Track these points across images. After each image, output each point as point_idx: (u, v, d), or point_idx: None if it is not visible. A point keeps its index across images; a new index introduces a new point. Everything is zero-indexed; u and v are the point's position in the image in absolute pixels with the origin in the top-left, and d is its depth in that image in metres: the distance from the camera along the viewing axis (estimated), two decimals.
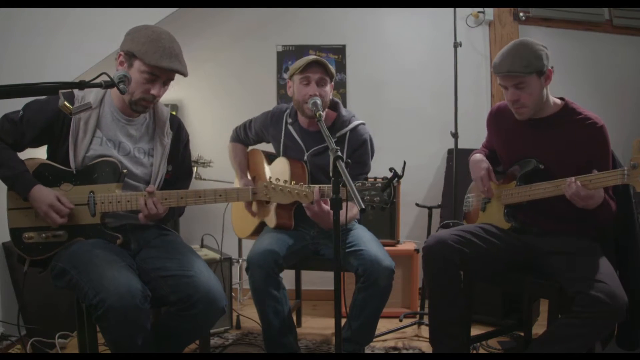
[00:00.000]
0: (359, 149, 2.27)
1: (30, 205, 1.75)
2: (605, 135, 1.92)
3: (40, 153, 1.87)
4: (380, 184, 1.57)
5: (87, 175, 1.78)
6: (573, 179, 1.76)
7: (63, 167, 1.78)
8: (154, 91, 1.77)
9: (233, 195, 1.82)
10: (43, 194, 1.71)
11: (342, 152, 2.22)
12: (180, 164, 2.01)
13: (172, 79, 1.82)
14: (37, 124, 1.77)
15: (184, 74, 1.79)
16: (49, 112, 1.76)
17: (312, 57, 2.21)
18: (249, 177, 2.52)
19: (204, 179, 3.11)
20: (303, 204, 1.93)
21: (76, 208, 1.76)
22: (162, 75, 1.76)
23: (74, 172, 1.77)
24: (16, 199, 1.77)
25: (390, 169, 1.53)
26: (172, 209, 1.87)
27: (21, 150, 1.81)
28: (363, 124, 2.31)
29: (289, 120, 2.36)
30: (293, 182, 1.82)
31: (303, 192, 1.75)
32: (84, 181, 1.78)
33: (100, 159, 1.79)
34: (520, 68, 1.85)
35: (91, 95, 1.81)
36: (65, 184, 1.78)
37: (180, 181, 2.01)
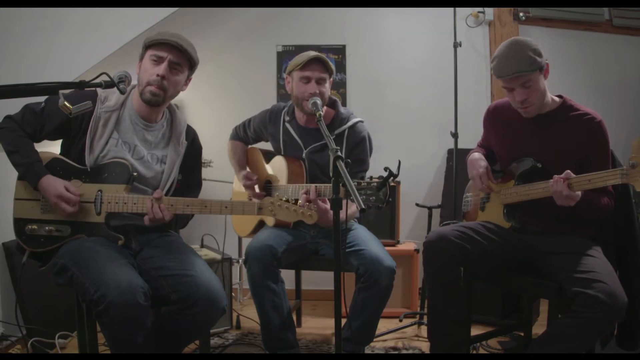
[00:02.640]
0: (358, 146, 2.27)
1: (38, 198, 1.77)
2: (604, 130, 1.93)
3: (55, 148, 1.89)
4: (375, 184, 1.58)
5: (97, 174, 1.80)
6: (561, 177, 1.77)
7: (74, 164, 1.81)
8: (159, 72, 1.79)
9: (239, 209, 1.82)
10: (51, 184, 1.73)
11: (341, 150, 2.22)
12: (191, 175, 2.03)
13: (180, 64, 1.83)
14: (56, 118, 1.79)
15: (184, 49, 1.80)
16: None
17: (312, 53, 2.21)
18: (247, 169, 2.51)
19: (204, 179, 3.10)
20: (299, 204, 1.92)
21: (82, 205, 1.77)
22: (166, 54, 1.79)
23: (88, 169, 1.79)
24: (25, 190, 1.79)
25: (385, 169, 1.54)
26: (177, 217, 1.89)
27: (38, 141, 1.83)
28: (362, 121, 2.32)
29: (287, 118, 2.36)
30: (296, 202, 1.80)
31: (308, 213, 1.76)
32: (94, 179, 1.79)
33: (112, 160, 1.81)
34: (527, 67, 1.85)
35: (113, 97, 1.85)
36: (74, 180, 1.79)
37: (189, 191, 2.01)
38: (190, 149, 2.01)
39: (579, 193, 1.78)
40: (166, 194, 1.88)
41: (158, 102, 1.85)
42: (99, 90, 1.78)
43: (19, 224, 1.79)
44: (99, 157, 1.80)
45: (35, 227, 1.77)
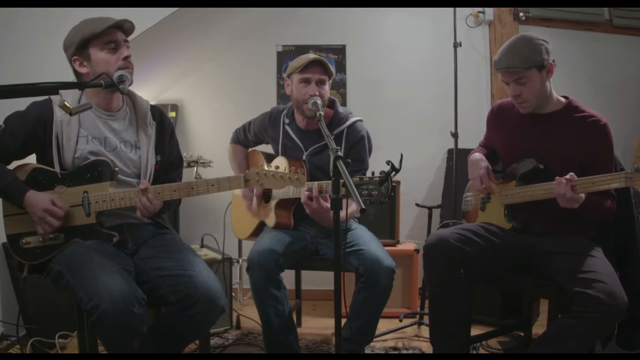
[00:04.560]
0: (357, 145, 2.27)
1: (25, 211, 1.74)
2: (608, 133, 1.93)
3: (31, 159, 1.85)
4: (378, 178, 1.58)
5: (80, 176, 1.77)
6: (564, 179, 1.77)
7: (55, 170, 1.78)
8: (124, 54, 1.77)
9: (225, 184, 1.80)
10: (37, 199, 1.70)
11: (340, 149, 2.22)
12: (169, 153, 2.00)
13: (127, 38, 1.82)
14: (19, 135, 1.76)
15: (129, 20, 1.80)
16: (29, 122, 1.76)
17: (311, 56, 2.21)
18: None
19: (182, 158, 3.10)
20: (302, 201, 1.93)
21: (71, 209, 1.75)
22: (118, 36, 1.77)
23: (69, 173, 1.77)
24: (11, 205, 1.77)
25: (388, 162, 1.54)
26: (168, 201, 1.85)
27: (8, 163, 1.80)
28: (360, 120, 2.31)
29: (286, 121, 2.36)
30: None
31: (295, 177, 1.74)
32: (77, 182, 1.77)
33: (92, 159, 1.78)
34: (518, 64, 1.87)
35: (68, 98, 1.77)
36: (59, 186, 1.76)
37: (171, 170, 2.00)
38: (160, 127, 1.97)
39: (583, 195, 1.77)
40: (148, 178, 1.86)
41: (131, 79, 1.81)
42: (52, 97, 1.73)
43: (13, 239, 1.77)
44: (74, 159, 1.77)
45: (29, 240, 1.75)
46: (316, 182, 1.94)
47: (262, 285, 2.09)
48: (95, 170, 1.77)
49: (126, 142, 1.88)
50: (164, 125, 1.99)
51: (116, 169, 1.79)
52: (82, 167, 1.78)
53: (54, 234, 1.74)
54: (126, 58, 1.78)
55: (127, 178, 1.85)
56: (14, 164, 1.83)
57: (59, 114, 1.76)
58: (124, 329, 1.56)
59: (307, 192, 1.95)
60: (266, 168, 1.76)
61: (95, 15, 1.85)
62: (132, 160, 1.87)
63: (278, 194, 2.27)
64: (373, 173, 1.62)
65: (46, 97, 1.69)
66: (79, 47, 1.75)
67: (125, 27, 1.81)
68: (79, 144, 1.79)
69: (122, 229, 1.84)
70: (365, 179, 1.59)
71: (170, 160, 2.00)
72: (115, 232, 1.78)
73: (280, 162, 2.31)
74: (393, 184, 1.61)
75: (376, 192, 1.57)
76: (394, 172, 1.54)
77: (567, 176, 1.77)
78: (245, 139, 2.53)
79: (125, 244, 1.84)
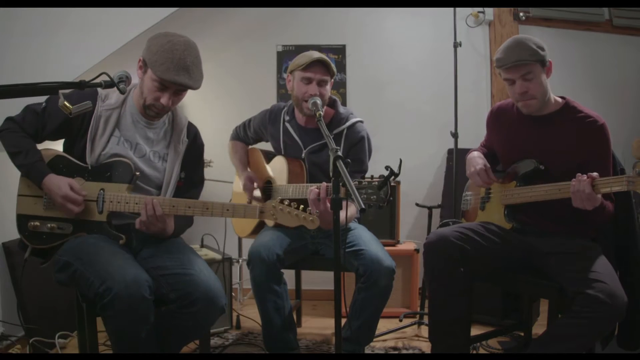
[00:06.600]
0: (356, 146, 2.26)
1: (40, 195, 1.78)
2: (606, 133, 1.93)
3: (58, 146, 1.89)
4: (377, 183, 1.57)
5: (100, 173, 1.80)
6: (585, 176, 1.75)
7: (78, 162, 1.81)
8: (163, 101, 1.78)
9: (240, 212, 1.82)
10: (55, 183, 1.72)
11: (339, 149, 2.21)
12: (193, 173, 2.03)
13: (184, 90, 1.81)
14: (58, 117, 1.79)
15: (192, 88, 1.78)
16: None
17: (315, 55, 2.20)
18: (249, 170, 2.51)
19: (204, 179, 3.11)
20: (310, 198, 1.91)
21: (85, 203, 1.77)
22: (170, 86, 1.77)
23: (89, 167, 1.79)
24: (28, 187, 1.80)
25: (387, 167, 1.54)
26: (180, 226, 1.89)
27: (40, 141, 1.84)
28: (361, 121, 2.31)
29: (286, 118, 2.36)
30: (298, 207, 1.77)
31: (310, 218, 1.76)
32: (97, 178, 1.80)
33: (115, 159, 1.81)
34: (527, 56, 1.87)
35: (114, 95, 1.83)
36: (77, 178, 1.79)
37: (192, 188, 2.02)
38: (191, 146, 2.00)
39: (600, 197, 1.76)
40: (169, 192, 1.89)
41: (161, 116, 1.89)
42: (99, 89, 1.77)
43: (22, 220, 1.80)
44: (100, 155, 1.80)
45: (37, 223, 1.78)
46: (324, 183, 1.92)
47: (262, 280, 2.09)
48: (116, 170, 1.80)
49: (156, 152, 1.91)
50: (195, 144, 2.03)
51: (137, 173, 1.81)
52: (104, 165, 1.80)
53: (62, 224, 1.77)
54: (163, 105, 1.78)
55: (147, 187, 1.88)
56: (45, 144, 1.85)
57: (100, 108, 1.80)
58: (134, 314, 1.57)
59: (316, 190, 1.91)
60: (285, 204, 1.75)
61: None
62: (157, 171, 1.90)
63: (278, 193, 2.27)
64: (372, 177, 1.62)
65: (93, 88, 1.69)
66: (147, 61, 1.75)
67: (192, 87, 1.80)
68: (110, 142, 1.82)
69: (128, 228, 1.85)
70: (364, 183, 1.58)
71: (192, 180, 2.02)
72: (121, 231, 1.80)
73: (280, 162, 2.31)
74: (393, 184, 1.61)
75: (375, 197, 1.57)
76: (393, 177, 1.54)
77: (594, 174, 1.74)
78: (245, 136, 2.54)
79: (130, 244, 1.85)
